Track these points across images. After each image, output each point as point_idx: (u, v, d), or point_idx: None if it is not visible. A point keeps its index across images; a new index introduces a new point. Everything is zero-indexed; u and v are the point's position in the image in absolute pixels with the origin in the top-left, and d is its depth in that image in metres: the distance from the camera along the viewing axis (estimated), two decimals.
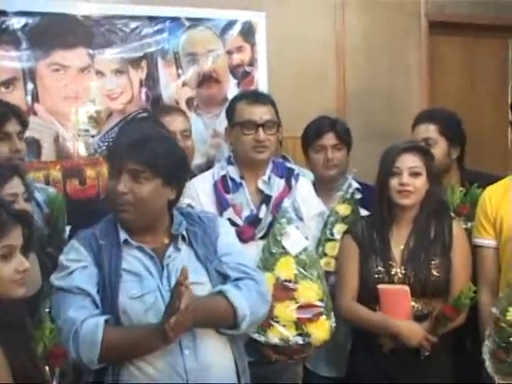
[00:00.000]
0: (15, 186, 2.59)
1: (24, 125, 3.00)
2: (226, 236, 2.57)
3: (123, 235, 2.41)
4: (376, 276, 3.04)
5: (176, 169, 2.42)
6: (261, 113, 3.17)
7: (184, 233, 2.46)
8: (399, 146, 3.08)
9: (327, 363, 3.46)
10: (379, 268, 3.05)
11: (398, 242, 3.09)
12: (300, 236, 2.98)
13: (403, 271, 3.03)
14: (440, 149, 3.45)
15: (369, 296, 3.05)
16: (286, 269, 2.92)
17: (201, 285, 2.37)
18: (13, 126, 2.92)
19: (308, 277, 2.91)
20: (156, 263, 2.40)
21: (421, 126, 3.52)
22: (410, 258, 3.04)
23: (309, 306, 2.87)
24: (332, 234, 3.26)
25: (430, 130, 3.47)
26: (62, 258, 2.42)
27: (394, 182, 3.03)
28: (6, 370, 1.86)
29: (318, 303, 2.91)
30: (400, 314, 2.97)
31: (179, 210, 2.56)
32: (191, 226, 2.50)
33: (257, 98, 3.27)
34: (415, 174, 3.02)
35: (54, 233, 3.05)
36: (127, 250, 2.41)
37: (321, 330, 2.92)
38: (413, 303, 2.99)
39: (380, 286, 2.99)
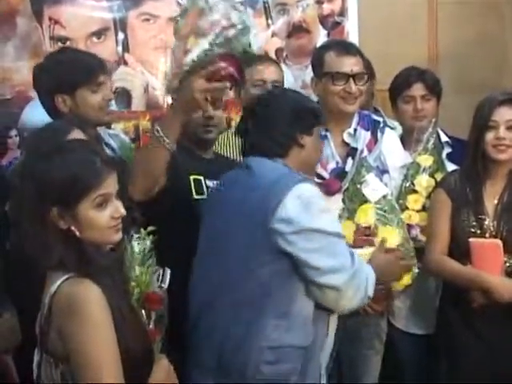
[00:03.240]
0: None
1: (108, 75, 3.04)
2: None
3: None
4: (468, 229, 2.93)
5: None
6: (351, 64, 3.04)
7: None
8: (496, 98, 2.92)
9: (415, 320, 3.38)
10: (472, 222, 2.93)
11: (492, 196, 2.96)
12: (379, 184, 2.86)
13: (496, 225, 2.91)
14: None
15: (459, 250, 2.94)
16: (365, 215, 2.80)
17: None
18: (103, 77, 2.90)
19: (387, 223, 2.79)
20: None
21: None
22: (503, 212, 2.92)
23: (388, 251, 2.74)
24: (413, 186, 3.14)
25: None
26: (323, 203, 2.45)
27: (489, 136, 2.88)
28: (107, 309, 1.86)
29: (399, 248, 2.77)
30: (492, 269, 2.85)
31: None
32: None
33: (347, 48, 3.14)
34: None
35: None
36: None
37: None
38: (505, 259, 2.87)
39: (471, 240, 2.87)
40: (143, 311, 2.22)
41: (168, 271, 2.29)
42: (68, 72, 2.84)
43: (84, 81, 2.83)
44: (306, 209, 2.37)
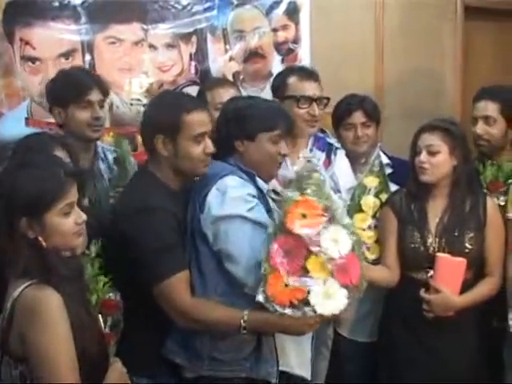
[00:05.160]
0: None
1: (105, 94, 3.12)
2: None
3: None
4: (412, 246, 3.05)
5: None
6: (314, 88, 3.20)
7: None
8: (423, 126, 3.08)
9: (359, 328, 3.45)
10: (416, 239, 3.05)
11: (434, 214, 3.08)
12: (335, 197, 2.87)
13: (437, 243, 3.03)
14: (498, 128, 3.33)
15: (407, 264, 3.07)
16: None
17: None
18: (95, 95, 3.04)
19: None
20: None
21: (481, 103, 3.39)
22: (444, 230, 3.04)
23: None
24: (360, 207, 3.21)
25: (489, 109, 3.34)
26: (241, 192, 2.55)
27: (416, 160, 3.05)
28: (65, 315, 1.93)
29: None
30: (454, 285, 2.94)
31: None
32: None
33: (309, 74, 3.28)
34: (433, 152, 3.00)
35: (122, 172, 3.19)
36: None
37: None
38: None
39: (438, 255, 2.97)
40: (100, 316, 2.32)
41: None
42: (61, 89, 3.03)
43: (73, 98, 2.99)
44: (220, 198, 2.55)
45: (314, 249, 2.38)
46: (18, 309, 1.93)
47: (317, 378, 3.29)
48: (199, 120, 2.63)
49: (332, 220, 2.43)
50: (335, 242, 2.38)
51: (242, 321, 2.48)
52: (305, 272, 2.38)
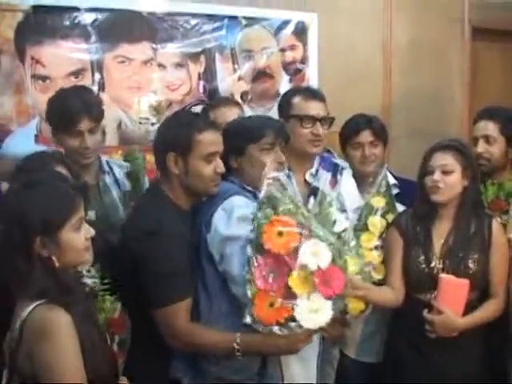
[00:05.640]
0: None
1: (97, 120, 3.05)
2: None
3: None
4: (417, 267, 3.03)
5: None
6: (318, 108, 3.19)
7: None
8: (436, 145, 3.05)
9: (364, 349, 3.43)
10: (421, 259, 3.03)
11: (439, 236, 3.06)
12: (341, 216, 2.89)
13: (441, 264, 3.00)
14: (499, 147, 3.33)
15: (412, 285, 3.04)
16: None
17: None
18: (85, 125, 2.97)
19: (346, 253, 2.76)
20: None
21: (481, 123, 3.39)
22: (449, 252, 3.02)
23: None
24: (366, 227, 3.17)
25: (489, 128, 3.34)
26: (247, 212, 2.52)
27: (428, 180, 3.02)
28: (75, 335, 1.93)
29: (357, 276, 2.82)
30: (457, 306, 2.91)
31: None
32: None
33: (314, 94, 3.28)
34: (447, 172, 2.98)
35: (136, 187, 3.21)
36: None
37: (357, 301, 2.88)
38: None
39: (441, 275, 2.95)
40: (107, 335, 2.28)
41: None
42: (52, 116, 3.03)
43: (63, 127, 2.97)
44: (226, 218, 2.55)
45: (295, 265, 2.38)
46: (27, 328, 1.93)
47: None
48: (211, 140, 2.64)
49: (309, 234, 2.43)
50: (315, 256, 2.37)
51: (235, 344, 2.48)
52: (288, 289, 2.38)
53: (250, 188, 2.75)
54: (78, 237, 2.02)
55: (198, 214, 2.70)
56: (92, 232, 2.08)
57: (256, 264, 2.39)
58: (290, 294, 2.37)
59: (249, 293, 2.39)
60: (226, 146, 2.73)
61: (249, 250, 2.42)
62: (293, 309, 2.36)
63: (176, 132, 2.65)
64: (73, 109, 2.95)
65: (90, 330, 2.01)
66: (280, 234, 2.38)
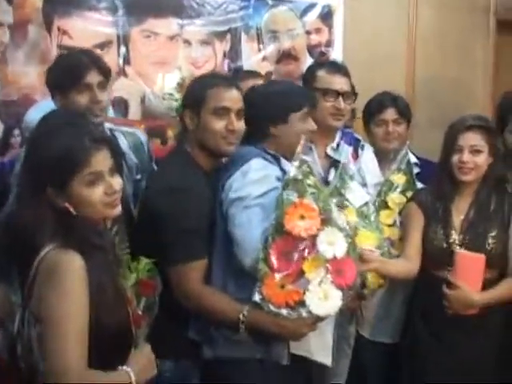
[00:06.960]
0: None
1: (106, 75, 2.88)
2: None
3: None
4: (435, 242, 3.00)
5: None
6: (341, 83, 3.17)
7: None
8: (463, 124, 3.02)
9: (380, 329, 3.41)
10: (440, 235, 3.01)
11: (459, 212, 3.04)
12: (362, 190, 2.94)
13: (461, 239, 2.98)
14: None
15: (428, 260, 3.01)
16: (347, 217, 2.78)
17: None
18: (94, 77, 2.81)
19: (367, 227, 2.83)
20: None
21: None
22: (468, 227, 3.00)
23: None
24: (386, 203, 3.18)
25: None
26: (262, 174, 2.54)
27: (455, 159, 2.98)
28: (84, 282, 1.88)
29: (376, 250, 2.81)
30: (473, 281, 2.88)
31: None
32: None
33: (338, 68, 3.26)
34: (476, 152, 2.96)
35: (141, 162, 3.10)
36: None
37: (376, 276, 2.88)
38: None
39: (457, 251, 2.93)
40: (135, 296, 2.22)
41: None
42: (57, 73, 2.86)
43: (70, 83, 2.79)
44: (241, 180, 2.53)
45: (311, 250, 2.36)
46: (40, 269, 1.91)
47: (338, 377, 3.27)
48: (223, 95, 2.62)
49: (328, 222, 2.41)
50: (331, 245, 2.37)
51: (241, 315, 2.46)
52: (301, 273, 2.37)
53: (273, 152, 2.72)
54: (92, 192, 1.95)
55: (218, 176, 2.68)
56: (115, 187, 2.00)
57: (274, 244, 2.37)
58: (302, 279, 2.36)
59: (260, 270, 2.37)
60: (265, 113, 2.71)
61: (269, 229, 2.40)
62: (304, 293, 2.35)
63: (192, 88, 2.70)
64: (80, 61, 2.82)
65: (105, 281, 1.95)
66: (302, 217, 2.36)
